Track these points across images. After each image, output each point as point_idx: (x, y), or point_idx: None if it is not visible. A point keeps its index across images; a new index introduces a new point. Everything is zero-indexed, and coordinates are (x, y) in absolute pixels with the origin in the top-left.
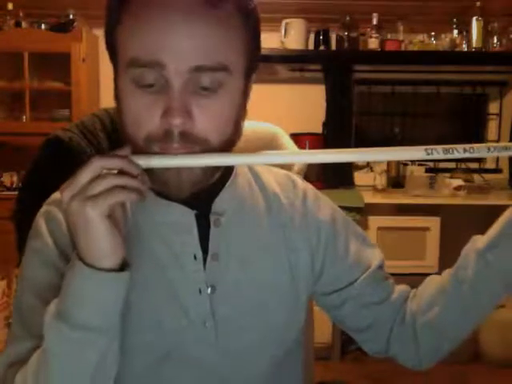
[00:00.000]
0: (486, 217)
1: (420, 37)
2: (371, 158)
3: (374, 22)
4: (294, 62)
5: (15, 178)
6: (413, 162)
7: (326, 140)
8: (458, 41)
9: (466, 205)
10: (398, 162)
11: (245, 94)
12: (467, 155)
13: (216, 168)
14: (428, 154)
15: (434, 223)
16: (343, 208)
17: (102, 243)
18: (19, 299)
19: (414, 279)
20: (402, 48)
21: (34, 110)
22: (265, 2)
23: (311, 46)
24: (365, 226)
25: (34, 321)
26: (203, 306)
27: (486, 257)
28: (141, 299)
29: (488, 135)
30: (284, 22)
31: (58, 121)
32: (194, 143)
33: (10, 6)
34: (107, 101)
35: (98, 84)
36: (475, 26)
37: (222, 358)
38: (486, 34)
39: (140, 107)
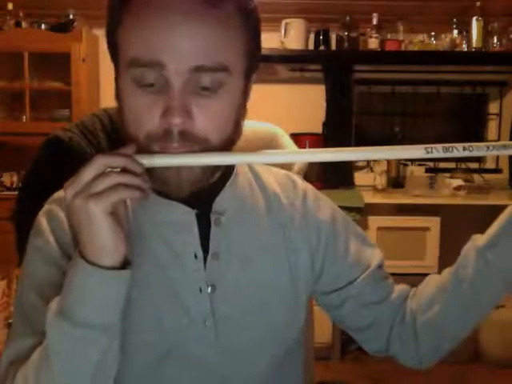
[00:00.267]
0: (485, 217)
1: (420, 37)
2: (371, 157)
3: (374, 22)
4: (294, 62)
5: (15, 178)
6: (413, 161)
7: (326, 140)
8: (458, 41)
9: (465, 205)
10: (398, 162)
11: (245, 93)
12: (466, 154)
13: (216, 167)
14: (428, 153)
15: (433, 223)
16: (343, 208)
17: (104, 240)
18: (20, 297)
19: (414, 279)
20: (402, 48)
21: (34, 109)
22: (265, 1)
23: (311, 46)
24: (365, 226)
25: (36, 318)
26: (203, 304)
27: (485, 256)
28: (141, 298)
29: (488, 135)
30: (284, 22)
31: (58, 121)
32: (194, 142)
33: (10, 6)
34: (107, 101)
35: (98, 84)
36: (475, 25)
37: (222, 358)
38: (486, 33)
39: (140, 107)
